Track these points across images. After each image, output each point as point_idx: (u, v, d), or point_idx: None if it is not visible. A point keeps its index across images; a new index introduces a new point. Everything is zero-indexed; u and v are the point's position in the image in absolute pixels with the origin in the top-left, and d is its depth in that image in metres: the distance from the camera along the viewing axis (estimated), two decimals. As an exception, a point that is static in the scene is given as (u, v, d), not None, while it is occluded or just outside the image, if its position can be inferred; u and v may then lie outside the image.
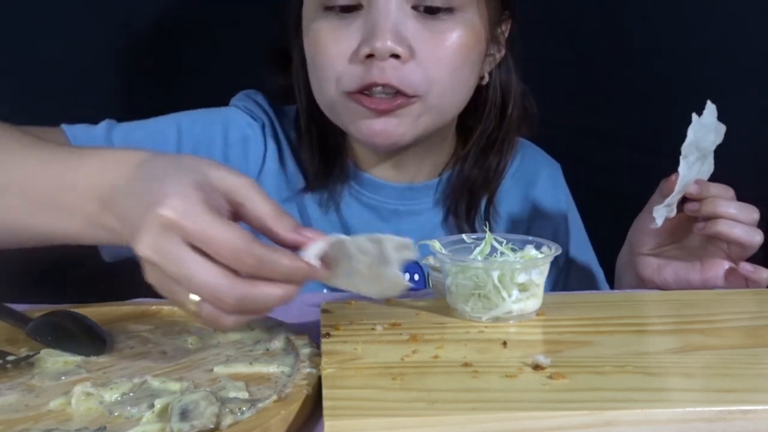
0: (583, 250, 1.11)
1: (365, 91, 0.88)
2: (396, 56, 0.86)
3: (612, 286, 1.04)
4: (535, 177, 1.09)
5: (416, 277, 1.01)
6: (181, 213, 0.56)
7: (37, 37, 1.16)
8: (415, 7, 0.88)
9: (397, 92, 0.88)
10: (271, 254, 0.57)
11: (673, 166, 0.86)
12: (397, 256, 0.62)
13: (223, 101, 1.08)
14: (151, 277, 0.58)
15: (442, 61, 0.89)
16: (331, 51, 0.89)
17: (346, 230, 1.00)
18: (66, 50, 1.17)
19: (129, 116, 1.07)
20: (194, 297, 0.56)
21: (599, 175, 1.28)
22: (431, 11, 0.88)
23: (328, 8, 0.89)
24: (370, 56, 0.87)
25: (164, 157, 0.63)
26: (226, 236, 0.55)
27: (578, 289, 1.06)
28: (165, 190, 0.57)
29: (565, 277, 1.08)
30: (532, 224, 1.07)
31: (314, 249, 0.60)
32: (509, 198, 1.07)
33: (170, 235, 0.56)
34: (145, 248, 0.56)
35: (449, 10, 0.89)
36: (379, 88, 0.88)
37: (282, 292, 0.57)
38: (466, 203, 1.02)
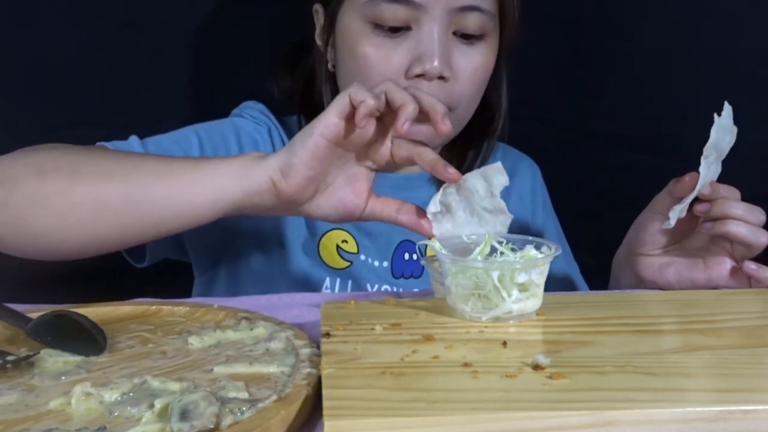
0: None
1: None
2: (441, 77, 0.96)
3: (606, 285, 1.04)
4: (514, 169, 1.13)
5: (415, 256, 1.06)
6: None
7: (36, 37, 1.16)
8: (455, 33, 0.97)
9: None
10: None
11: (672, 166, 0.86)
12: (497, 183, 0.75)
13: (224, 103, 1.10)
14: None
15: (473, 81, 0.99)
16: (381, 68, 0.96)
17: None
18: (65, 50, 1.17)
19: (127, 116, 1.07)
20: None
21: (599, 175, 1.28)
22: (467, 37, 0.98)
23: (378, 26, 0.96)
24: (419, 76, 0.95)
25: None
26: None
27: (554, 286, 1.07)
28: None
29: None
30: (521, 209, 1.12)
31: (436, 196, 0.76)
32: None
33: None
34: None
35: (480, 36, 0.98)
36: None
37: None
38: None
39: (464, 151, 1.09)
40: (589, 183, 1.21)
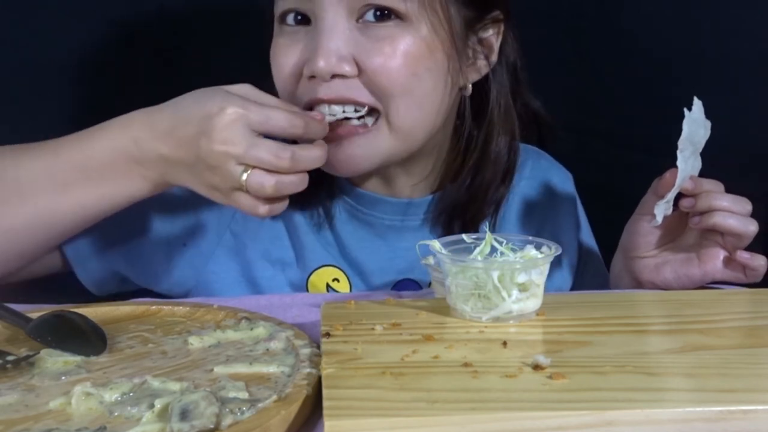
0: (595, 258, 1.10)
1: (314, 107, 0.85)
2: (341, 75, 0.83)
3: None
4: (545, 183, 1.07)
5: None
6: (243, 106, 0.75)
7: (34, 37, 1.16)
8: (360, 17, 0.84)
9: (353, 103, 0.85)
10: (307, 118, 0.79)
11: (671, 166, 0.86)
12: None
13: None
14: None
15: (391, 72, 0.84)
16: (283, 69, 0.87)
17: (342, 248, 0.97)
18: (63, 50, 1.17)
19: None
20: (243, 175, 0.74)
21: (599, 175, 1.28)
22: (378, 18, 0.84)
23: (282, 22, 0.87)
24: (313, 78, 0.84)
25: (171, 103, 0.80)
26: (279, 115, 0.76)
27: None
28: (214, 101, 0.75)
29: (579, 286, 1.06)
30: (543, 228, 1.04)
31: None
32: (519, 203, 1.04)
33: (237, 125, 0.74)
34: (217, 143, 0.74)
35: (396, 17, 0.84)
36: (326, 107, 0.84)
37: (320, 151, 0.78)
38: (463, 220, 0.98)
39: (478, 165, 0.96)
40: (589, 183, 1.21)
